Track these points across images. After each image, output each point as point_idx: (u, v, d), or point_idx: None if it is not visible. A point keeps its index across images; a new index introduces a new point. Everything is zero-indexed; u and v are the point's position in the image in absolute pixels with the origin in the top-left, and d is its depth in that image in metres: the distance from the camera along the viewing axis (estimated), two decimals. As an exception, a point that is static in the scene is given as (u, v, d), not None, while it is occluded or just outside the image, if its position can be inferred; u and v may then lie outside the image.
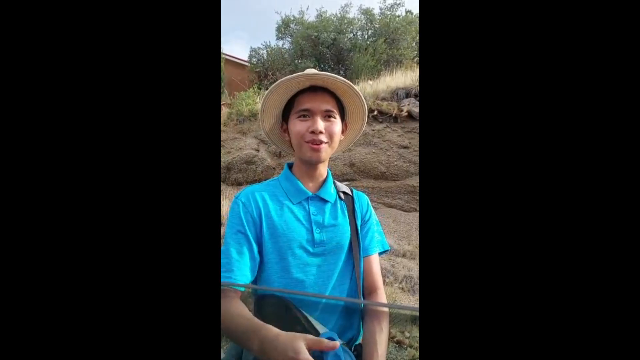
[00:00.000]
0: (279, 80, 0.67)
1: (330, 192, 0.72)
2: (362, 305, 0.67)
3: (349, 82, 0.66)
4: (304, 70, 0.67)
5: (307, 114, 0.66)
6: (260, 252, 0.66)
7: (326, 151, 0.67)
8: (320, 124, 0.65)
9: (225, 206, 3.15)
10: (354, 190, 0.77)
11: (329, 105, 0.67)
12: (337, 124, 0.68)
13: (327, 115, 0.67)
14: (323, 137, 0.65)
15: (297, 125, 0.66)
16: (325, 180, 0.73)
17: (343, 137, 0.75)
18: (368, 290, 0.70)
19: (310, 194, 0.70)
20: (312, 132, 0.65)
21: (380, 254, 0.74)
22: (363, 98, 0.69)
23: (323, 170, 0.72)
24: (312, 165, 0.69)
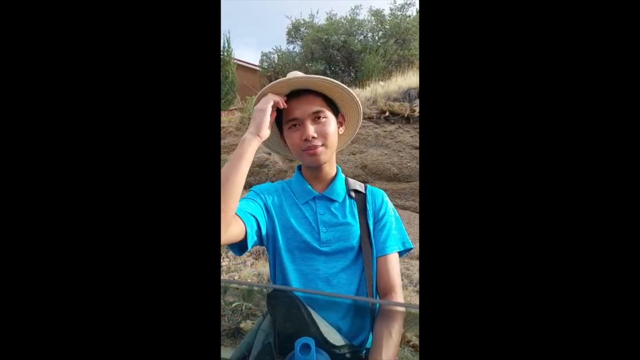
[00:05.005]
0: (258, 94, 0.66)
1: (337, 191, 0.71)
2: (377, 307, 0.65)
3: (321, 76, 0.64)
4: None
5: (297, 122, 0.66)
6: (275, 245, 0.68)
7: (324, 153, 0.67)
8: (311, 130, 0.64)
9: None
10: (369, 187, 0.75)
11: (316, 106, 0.65)
12: (328, 122, 0.66)
13: (316, 117, 0.65)
14: (317, 142, 0.65)
15: (291, 137, 0.67)
16: (333, 180, 0.72)
17: (343, 130, 0.73)
18: (382, 293, 0.67)
19: (317, 193, 0.71)
20: (306, 140, 0.65)
21: (402, 253, 0.70)
22: (343, 85, 0.67)
23: (330, 169, 0.72)
24: (316, 167, 0.70)
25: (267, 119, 0.62)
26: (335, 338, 0.55)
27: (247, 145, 0.59)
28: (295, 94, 0.66)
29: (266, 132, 0.62)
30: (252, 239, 0.62)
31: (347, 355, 0.55)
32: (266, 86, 0.65)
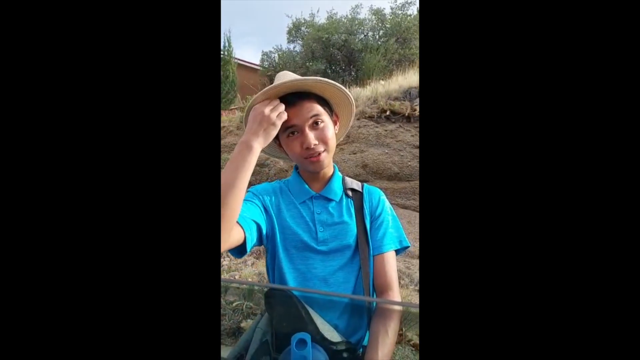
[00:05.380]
0: (253, 100, 0.64)
1: (334, 190, 0.72)
2: (374, 305, 0.66)
3: (316, 77, 0.63)
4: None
5: (295, 130, 0.65)
6: (273, 244, 0.68)
7: (326, 158, 0.67)
8: (311, 137, 0.63)
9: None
10: (366, 186, 0.75)
11: (312, 110, 0.64)
12: (327, 127, 0.66)
13: (314, 122, 0.64)
14: (319, 148, 0.65)
15: (290, 145, 0.66)
16: (330, 179, 0.73)
17: (337, 129, 0.72)
18: (379, 291, 0.67)
19: (314, 193, 0.71)
20: (307, 148, 0.64)
21: (399, 251, 0.71)
22: (337, 83, 0.65)
23: (327, 169, 0.72)
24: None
25: (276, 132, 0.61)
26: (332, 335, 0.55)
27: (254, 155, 0.57)
28: (290, 100, 0.64)
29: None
30: (251, 242, 0.62)
31: (344, 353, 0.56)
32: (262, 91, 0.63)
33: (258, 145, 0.58)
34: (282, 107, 0.61)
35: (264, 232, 0.67)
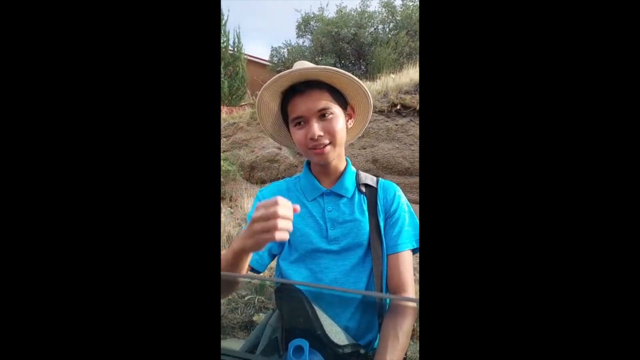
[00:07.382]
0: (261, 90, 0.63)
1: (346, 186, 0.69)
2: (387, 305, 0.64)
3: (325, 67, 0.61)
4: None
5: (302, 120, 0.63)
6: (282, 245, 0.68)
7: (331, 151, 0.64)
8: (317, 129, 0.61)
9: (249, 203, 3.22)
10: (381, 181, 0.72)
11: (321, 102, 0.62)
12: (336, 119, 0.63)
13: (322, 115, 0.62)
14: (324, 140, 0.63)
15: (296, 135, 0.65)
16: (341, 174, 0.70)
17: (352, 123, 0.70)
18: (392, 292, 0.65)
19: (325, 189, 0.69)
20: (312, 139, 0.62)
21: (415, 251, 0.67)
22: (349, 74, 0.63)
23: (339, 164, 0.70)
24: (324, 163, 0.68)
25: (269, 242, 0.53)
26: (339, 337, 0.54)
27: (245, 260, 0.54)
28: (299, 89, 0.62)
29: None
30: (262, 266, 0.65)
31: (352, 356, 0.54)
32: (271, 79, 0.62)
33: (251, 250, 0.53)
34: (289, 223, 0.49)
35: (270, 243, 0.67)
